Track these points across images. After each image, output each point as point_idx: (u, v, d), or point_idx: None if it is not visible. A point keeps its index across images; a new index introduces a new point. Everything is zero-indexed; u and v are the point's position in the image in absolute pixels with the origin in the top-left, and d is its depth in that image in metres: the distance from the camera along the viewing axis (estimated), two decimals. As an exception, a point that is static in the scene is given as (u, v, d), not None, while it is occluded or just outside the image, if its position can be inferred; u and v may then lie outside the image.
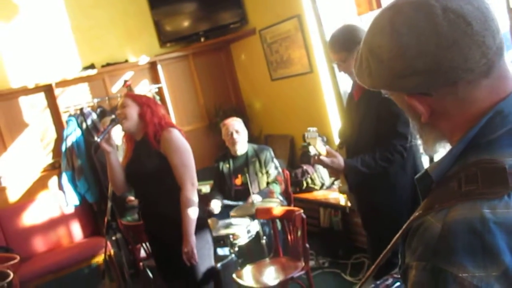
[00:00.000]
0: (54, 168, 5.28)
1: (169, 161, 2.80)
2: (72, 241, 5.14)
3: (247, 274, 3.45)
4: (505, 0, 3.13)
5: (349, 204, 4.26)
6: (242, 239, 3.64)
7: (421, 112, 0.85)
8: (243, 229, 3.66)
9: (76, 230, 5.18)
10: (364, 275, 3.82)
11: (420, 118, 0.87)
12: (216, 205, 4.14)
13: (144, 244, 3.95)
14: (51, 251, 4.95)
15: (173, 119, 5.42)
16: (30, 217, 5.00)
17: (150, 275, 3.81)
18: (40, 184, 5.22)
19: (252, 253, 4.15)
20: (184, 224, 2.75)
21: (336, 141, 4.79)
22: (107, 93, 5.50)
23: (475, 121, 0.81)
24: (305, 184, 4.91)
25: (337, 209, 4.52)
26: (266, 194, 4.14)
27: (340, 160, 2.54)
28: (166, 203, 2.82)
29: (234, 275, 3.40)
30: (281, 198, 4.27)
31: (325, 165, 2.58)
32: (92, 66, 5.40)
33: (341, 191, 4.29)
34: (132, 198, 4.60)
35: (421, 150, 0.95)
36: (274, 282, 3.26)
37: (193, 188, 2.81)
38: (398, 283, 1.47)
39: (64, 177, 5.12)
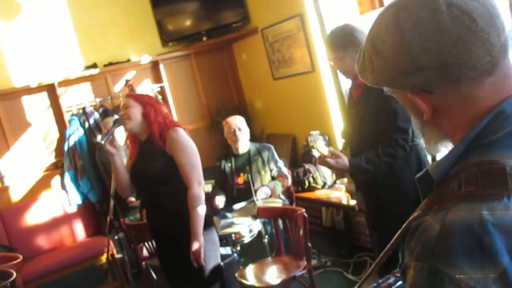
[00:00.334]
0: (56, 168, 5.29)
1: (176, 160, 2.78)
2: (75, 241, 5.15)
3: (249, 273, 3.45)
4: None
5: (351, 203, 4.26)
6: (245, 238, 3.64)
7: (424, 110, 0.85)
8: (245, 228, 3.66)
9: (79, 230, 5.19)
10: (372, 272, 3.80)
11: (423, 116, 0.86)
12: (220, 201, 4.15)
13: (146, 244, 3.96)
14: (54, 251, 4.95)
15: (175, 119, 5.42)
16: (33, 217, 5.01)
17: (154, 275, 3.81)
18: (42, 184, 5.23)
19: (254, 252, 4.15)
20: (192, 223, 2.73)
21: (338, 140, 4.82)
22: (109, 92, 5.51)
23: (477, 121, 0.81)
24: (307, 183, 4.91)
25: (339, 208, 4.52)
26: (271, 189, 4.16)
27: (344, 160, 2.56)
28: (173, 202, 2.80)
29: (236, 274, 3.40)
30: (283, 197, 4.27)
31: (330, 166, 2.60)
32: (94, 66, 5.41)
33: (347, 190, 4.31)
34: (133, 199, 4.61)
35: (425, 149, 0.94)
36: (277, 281, 3.26)
37: (200, 187, 2.80)
38: (400, 282, 1.47)
39: (67, 177, 5.13)
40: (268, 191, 4.08)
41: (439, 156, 0.89)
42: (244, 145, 4.29)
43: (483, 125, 0.80)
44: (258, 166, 4.27)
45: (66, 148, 5.13)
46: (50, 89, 5.24)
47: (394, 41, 0.82)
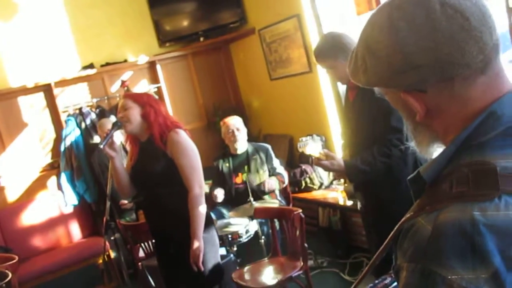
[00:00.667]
0: (53, 168, 5.28)
1: (176, 162, 2.74)
2: (71, 241, 5.14)
3: (246, 274, 3.45)
4: (504, 0, 3.13)
5: (348, 203, 4.26)
6: (241, 239, 3.64)
7: (417, 110, 0.85)
8: (242, 229, 3.66)
9: (75, 230, 5.18)
10: (367, 273, 3.80)
11: (415, 117, 0.87)
12: (220, 194, 4.14)
13: (143, 244, 3.95)
14: (50, 251, 4.94)
15: (172, 119, 5.41)
16: (29, 217, 4.99)
17: (150, 278, 3.80)
18: (39, 184, 5.22)
19: (251, 252, 4.15)
20: (192, 226, 2.71)
21: (335, 140, 4.82)
22: (106, 92, 5.50)
23: (468, 122, 0.81)
24: (303, 184, 4.91)
25: (336, 209, 4.52)
26: (274, 180, 4.23)
27: (339, 161, 2.58)
28: (173, 203, 2.78)
29: (233, 275, 3.39)
30: (279, 198, 4.27)
31: (325, 167, 2.62)
32: (91, 66, 5.40)
33: (345, 191, 4.32)
34: (125, 202, 4.60)
35: (417, 151, 0.95)
36: (273, 282, 3.26)
37: (201, 190, 2.77)
38: (396, 283, 1.47)
39: (63, 177, 5.12)
40: (274, 184, 4.14)
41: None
42: (242, 145, 4.29)
43: (474, 126, 0.80)
44: (256, 166, 4.28)
45: (62, 148, 5.12)
46: (47, 89, 5.23)
47: (388, 40, 0.82)
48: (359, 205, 3.92)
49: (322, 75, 4.89)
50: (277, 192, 4.29)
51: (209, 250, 2.80)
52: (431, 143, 0.90)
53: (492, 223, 0.71)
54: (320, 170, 4.89)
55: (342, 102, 4.48)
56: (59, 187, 5.20)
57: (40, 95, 5.26)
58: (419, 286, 0.73)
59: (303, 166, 4.93)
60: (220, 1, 5.84)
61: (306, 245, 3.32)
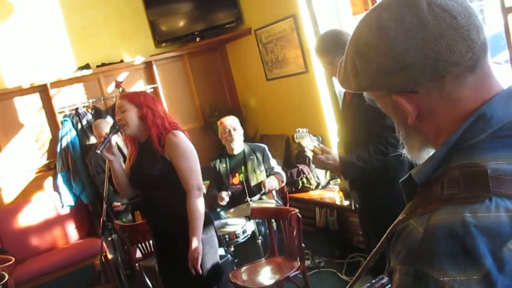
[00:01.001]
0: (49, 169, 5.27)
1: (175, 165, 2.73)
2: (68, 242, 5.12)
3: (243, 274, 3.45)
4: (499, 0, 3.14)
5: (345, 203, 4.27)
6: (238, 239, 3.64)
7: (409, 112, 0.85)
8: (239, 229, 3.66)
9: (72, 231, 5.17)
10: (361, 274, 3.82)
11: (407, 120, 0.87)
12: (226, 196, 4.14)
13: (140, 245, 3.95)
14: (47, 252, 4.93)
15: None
16: (25, 218, 4.98)
17: (146, 278, 3.80)
18: (35, 185, 5.21)
19: (248, 253, 4.16)
20: (191, 229, 2.69)
21: (332, 140, 4.83)
22: (102, 93, 5.49)
23: (458, 124, 0.82)
24: (300, 184, 4.92)
25: (333, 209, 4.53)
26: (274, 179, 4.23)
27: (334, 156, 2.63)
28: (171, 205, 2.77)
29: (230, 275, 3.39)
30: (276, 198, 4.28)
31: (320, 162, 2.64)
32: (87, 66, 5.39)
33: (341, 189, 4.32)
34: (118, 204, 4.59)
35: (409, 157, 0.95)
36: (270, 282, 3.26)
37: (200, 192, 2.76)
38: (394, 282, 1.47)
39: (59, 178, 5.11)
40: (274, 183, 4.15)
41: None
42: (239, 145, 4.29)
43: (464, 129, 0.81)
44: (253, 166, 4.28)
45: (58, 149, 5.11)
46: (43, 90, 5.21)
47: (377, 41, 0.83)
48: (353, 204, 3.95)
49: (319, 75, 4.90)
50: (274, 192, 4.29)
51: (208, 251, 2.79)
52: (422, 147, 0.91)
53: (483, 225, 0.72)
54: (317, 170, 4.89)
55: (338, 102, 4.50)
56: (56, 188, 5.19)
57: (36, 95, 5.24)
58: None
59: (300, 166, 4.94)
60: (216, 1, 5.83)
61: (303, 245, 3.33)
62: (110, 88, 5.52)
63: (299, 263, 3.33)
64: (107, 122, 4.75)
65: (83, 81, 5.43)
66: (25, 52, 5.20)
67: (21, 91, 5.14)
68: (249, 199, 3.82)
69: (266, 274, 3.41)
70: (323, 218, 4.66)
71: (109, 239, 3.55)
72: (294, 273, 3.28)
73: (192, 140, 2.86)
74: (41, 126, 5.28)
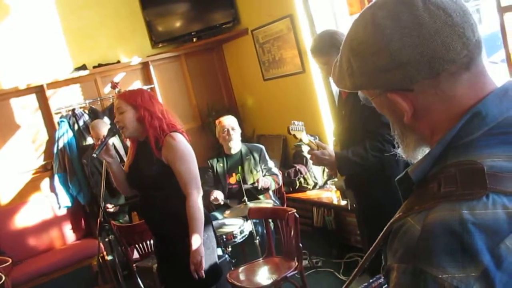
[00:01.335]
0: (46, 170, 5.25)
1: (173, 168, 2.71)
2: (65, 243, 5.11)
3: (241, 274, 3.45)
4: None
5: (342, 203, 4.27)
6: (236, 239, 3.64)
7: (405, 110, 0.85)
8: (236, 229, 3.66)
9: (69, 232, 5.16)
10: (357, 274, 3.82)
11: (402, 119, 0.87)
12: (220, 196, 4.14)
13: (137, 245, 3.94)
14: (44, 254, 4.91)
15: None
16: (22, 220, 4.96)
17: (139, 280, 3.80)
18: (32, 186, 5.19)
19: (245, 253, 4.15)
20: (191, 233, 2.67)
21: (329, 139, 4.83)
22: (99, 94, 5.48)
23: (454, 122, 0.82)
24: (298, 184, 4.92)
25: (330, 209, 4.53)
26: (270, 182, 4.22)
27: (330, 152, 2.64)
28: (168, 206, 2.76)
29: (228, 275, 3.39)
30: (273, 198, 4.28)
31: (316, 157, 2.65)
32: (83, 67, 5.38)
33: (337, 187, 4.32)
34: (110, 206, 4.58)
35: (404, 156, 0.96)
36: (268, 282, 3.26)
37: (199, 195, 2.75)
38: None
39: (56, 179, 5.10)
40: (268, 181, 4.13)
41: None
42: (236, 145, 4.30)
43: (460, 126, 0.81)
44: (250, 166, 4.28)
45: (55, 150, 5.10)
46: (39, 91, 5.20)
47: (373, 39, 0.83)
48: (349, 204, 3.95)
49: (315, 75, 4.90)
50: (271, 192, 4.29)
51: (206, 252, 2.79)
52: (417, 146, 0.91)
53: (481, 222, 0.72)
54: (314, 170, 4.90)
55: (335, 102, 4.50)
56: (52, 189, 5.18)
57: (33, 96, 5.22)
58: (410, 287, 0.74)
59: (297, 166, 4.94)
60: (212, 1, 5.83)
61: (300, 245, 3.33)
62: (107, 89, 5.52)
63: (297, 263, 3.33)
64: (104, 122, 4.75)
65: (80, 82, 5.42)
66: (22, 53, 5.19)
67: (17, 92, 5.12)
68: (246, 199, 3.82)
69: (264, 274, 3.41)
70: (320, 218, 4.66)
71: (106, 240, 3.54)
72: (291, 273, 3.28)
73: (189, 140, 2.85)
74: (37, 127, 5.27)
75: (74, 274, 4.73)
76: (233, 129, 4.26)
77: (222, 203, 4.17)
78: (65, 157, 5.07)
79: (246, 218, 3.76)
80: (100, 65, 5.45)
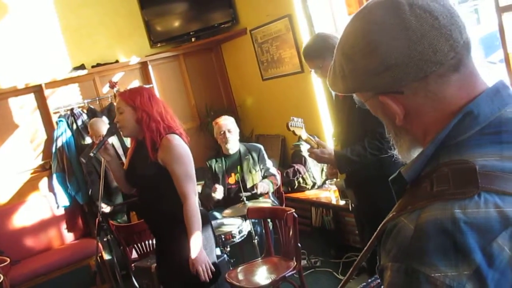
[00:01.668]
0: (44, 170, 5.25)
1: (170, 169, 2.70)
2: (63, 243, 5.11)
3: (239, 274, 3.45)
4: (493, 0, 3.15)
5: (341, 202, 4.27)
6: (235, 239, 3.64)
7: (396, 112, 0.87)
8: (235, 229, 3.66)
9: (67, 232, 5.15)
10: (356, 274, 3.83)
11: (395, 121, 0.88)
12: (219, 190, 4.13)
13: (136, 245, 3.94)
14: (42, 253, 4.91)
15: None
16: (20, 219, 4.96)
17: (135, 281, 3.81)
18: (30, 186, 5.19)
19: (244, 253, 4.15)
20: (190, 236, 2.65)
21: (328, 139, 4.83)
22: (97, 93, 5.48)
23: (446, 122, 0.83)
24: (296, 184, 4.92)
25: (329, 208, 4.53)
26: (268, 185, 4.21)
27: (329, 150, 2.68)
28: (164, 207, 2.76)
29: (226, 275, 3.39)
30: (272, 198, 4.28)
31: (315, 155, 2.67)
32: (82, 67, 5.37)
33: (337, 186, 4.33)
34: (104, 205, 4.57)
35: (399, 157, 0.96)
36: (266, 282, 3.26)
37: (196, 198, 2.74)
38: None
39: (55, 179, 5.09)
40: (266, 186, 4.12)
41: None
42: (233, 146, 4.29)
43: (452, 126, 0.82)
44: (249, 166, 4.28)
45: (53, 150, 5.09)
46: (38, 91, 5.19)
47: (362, 44, 0.85)
48: (350, 204, 3.95)
49: (314, 75, 4.89)
50: (270, 193, 4.29)
51: (206, 249, 2.79)
52: (411, 147, 0.92)
53: (473, 221, 0.73)
54: (313, 170, 4.90)
55: (333, 101, 4.50)
56: (51, 188, 5.17)
57: (31, 96, 5.22)
58: (404, 286, 0.75)
59: (296, 166, 4.94)
60: (211, 1, 5.83)
61: (299, 245, 3.33)
62: (105, 89, 5.51)
63: (295, 263, 3.33)
64: (102, 121, 4.74)
65: (78, 81, 5.41)
66: (20, 52, 5.18)
67: (15, 92, 5.12)
68: (245, 199, 3.82)
69: (262, 274, 3.41)
70: (319, 217, 4.66)
71: (105, 239, 3.54)
72: (290, 273, 3.28)
73: (188, 141, 2.84)
74: (36, 127, 5.26)
75: (72, 274, 4.73)
76: (229, 131, 4.25)
77: (220, 197, 4.14)
78: (64, 157, 5.06)
79: (244, 218, 3.76)
80: (98, 65, 5.45)
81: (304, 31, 4.86)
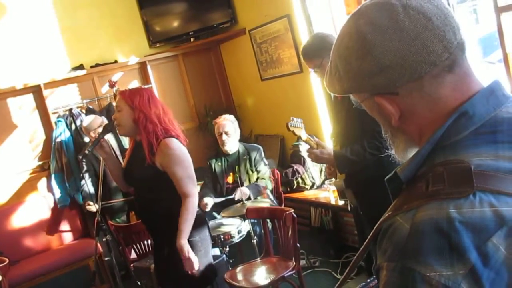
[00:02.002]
0: (43, 170, 5.24)
1: (169, 172, 2.70)
2: (62, 243, 5.10)
3: (238, 274, 3.45)
4: (492, 0, 3.15)
5: (340, 202, 4.27)
6: (234, 239, 3.64)
7: (391, 113, 0.87)
8: (234, 229, 3.66)
9: (66, 232, 5.14)
10: (355, 274, 3.84)
11: (391, 122, 0.89)
12: (209, 202, 4.13)
13: (134, 245, 3.94)
14: (41, 254, 4.90)
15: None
16: (19, 219, 4.95)
17: (134, 281, 3.80)
18: (29, 186, 5.18)
19: (243, 253, 4.15)
20: (180, 232, 2.67)
21: (327, 139, 4.83)
22: (96, 93, 5.47)
23: (441, 122, 0.84)
24: (295, 184, 4.92)
25: (328, 209, 4.53)
26: (258, 190, 4.12)
27: (329, 150, 2.69)
28: (160, 208, 2.77)
29: (225, 276, 3.39)
30: (271, 197, 4.28)
31: (315, 155, 2.68)
32: (81, 67, 5.37)
33: (336, 186, 4.32)
34: (91, 203, 4.57)
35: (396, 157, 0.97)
36: (265, 282, 3.26)
37: (196, 199, 2.76)
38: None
39: (53, 179, 5.09)
40: (248, 192, 4.03)
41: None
42: (231, 147, 4.29)
43: (447, 126, 0.83)
44: (247, 166, 4.28)
45: (52, 150, 5.08)
46: (36, 91, 5.19)
47: (357, 45, 0.85)
48: (348, 204, 3.95)
49: (313, 75, 4.90)
50: (269, 192, 4.29)
51: (201, 252, 2.79)
52: (408, 147, 0.93)
53: (468, 220, 0.73)
54: (312, 170, 4.90)
55: (332, 102, 4.50)
56: (50, 188, 5.17)
57: (30, 96, 5.21)
58: (399, 285, 0.75)
59: (295, 166, 4.94)
60: (210, 1, 5.83)
61: (298, 245, 3.33)
62: (104, 89, 5.51)
63: (294, 263, 3.33)
64: (97, 117, 4.67)
65: (77, 81, 5.41)
66: (19, 52, 5.17)
67: (14, 92, 5.11)
68: (241, 190, 3.81)
69: (261, 274, 3.41)
70: (318, 218, 4.67)
71: (104, 240, 3.54)
72: (289, 273, 3.28)
73: (187, 143, 2.84)
74: (34, 127, 5.26)
75: (71, 274, 4.72)
76: (226, 133, 4.23)
77: (208, 209, 4.12)
78: (62, 157, 5.06)
79: (243, 218, 3.76)
80: (97, 65, 5.44)
81: (303, 31, 4.86)
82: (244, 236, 3.73)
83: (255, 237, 3.73)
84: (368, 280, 1.59)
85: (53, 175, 5.10)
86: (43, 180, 5.25)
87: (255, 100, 5.96)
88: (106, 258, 4.72)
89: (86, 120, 4.55)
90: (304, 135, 2.72)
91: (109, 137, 4.58)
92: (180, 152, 2.73)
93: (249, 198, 3.97)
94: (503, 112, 0.83)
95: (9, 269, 4.22)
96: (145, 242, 3.92)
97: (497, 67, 3.47)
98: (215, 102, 6.15)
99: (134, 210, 4.54)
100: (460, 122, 0.82)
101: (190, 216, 2.71)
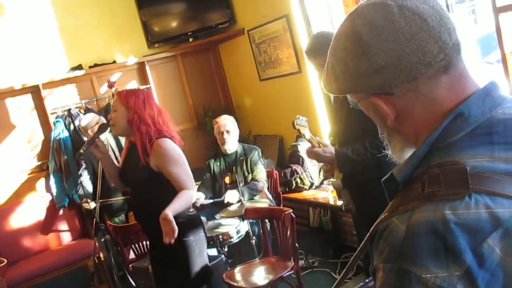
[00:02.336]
0: (41, 170, 5.24)
1: (165, 172, 2.71)
2: (61, 244, 5.10)
3: (237, 274, 3.45)
4: (490, 0, 3.15)
5: (338, 202, 4.27)
6: (232, 240, 3.64)
7: (387, 114, 0.88)
8: (232, 230, 3.66)
9: (65, 232, 5.14)
10: (353, 274, 3.84)
11: (387, 122, 0.89)
12: (201, 196, 4.11)
13: (133, 246, 3.94)
14: (39, 254, 4.90)
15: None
16: (17, 220, 4.95)
17: (132, 281, 3.80)
18: (27, 186, 5.17)
19: (241, 253, 4.15)
20: (171, 204, 2.61)
21: (325, 139, 4.83)
22: (95, 94, 5.47)
23: (437, 123, 0.84)
24: (294, 184, 4.92)
25: (326, 209, 4.53)
26: (254, 189, 4.13)
27: (331, 149, 2.67)
28: (159, 207, 2.76)
29: (224, 276, 3.39)
30: (270, 197, 4.28)
31: (317, 154, 2.68)
32: (79, 67, 5.36)
33: (334, 186, 4.32)
34: (89, 200, 4.57)
35: (393, 158, 0.97)
36: (264, 282, 3.26)
37: (194, 192, 2.80)
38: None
39: (52, 179, 5.08)
40: (237, 195, 4.01)
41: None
42: (231, 146, 4.29)
43: (443, 127, 0.83)
44: (243, 167, 4.28)
45: (51, 150, 5.08)
46: (35, 91, 5.18)
47: (353, 46, 0.86)
48: (343, 204, 3.95)
49: (312, 75, 4.91)
50: (267, 191, 4.29)
51: (196, 252, 2.80)
52: (404, 147, 0.93)
53: (463, 222, 0.73)
54: (310, 170, 4.90)
55: (331, 102, 4.51)
56: (48, 189, 5.16)
57: (28, 96, 5.21)
58: (395, 286, 0.75)
59: (294, 166, 4.94)
60: (209, 2, 5.83)
61: (297, 245, 3.33)
62: (103, 89, 5.50)
63: (293, 263, 3.33)
64: (95, 116, 4.66)
65: (76, 82, 5.40)
66: (17, 52, 5.17)
67: (13, 92, 5.10)
68: (242, 199, 3.81)
69: (260, 274, 3.41)
70: (316, 218, 4.67)
71: (102, 240, 3.54)
72: (288, 273, 3.28)
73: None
74: (33, 127, 5.25)
75: (69, 275, 4.72)
76: (227, 132, 4.25)
77: (198, 205, 4.10)
78: (61, 157, 5.05)
79: (242, 218, 3.76)
80: (96, 65, 5.44)
81: (301, 32, 4.86)
82: (242, 236, 3.73)
83: (254, 237, 3.73)
84: (367, 280, 1.60)
85: (51, 175, 5.09)
86: (42, 180, 5.24)
87: (254, 100, 5.96)
88: (105, 258, 4.71)
89: (84, 119, 4.56)
90: (307, 134, 2.72)
91: (109, 137, 4.59)
92: (174, 152, 2.74)
93: (239, 201, 3.95)
94: (499, 113, 0.83)
95: (8, 270, 4.22)
96: (144, 242, 3.92)
97: (496, 68, 3.48)
98: (214, 102, 6.15)
99: (131, 210, 4.54)
100: (456, 124, 0.82)
101: (184, 199, 2.70)
